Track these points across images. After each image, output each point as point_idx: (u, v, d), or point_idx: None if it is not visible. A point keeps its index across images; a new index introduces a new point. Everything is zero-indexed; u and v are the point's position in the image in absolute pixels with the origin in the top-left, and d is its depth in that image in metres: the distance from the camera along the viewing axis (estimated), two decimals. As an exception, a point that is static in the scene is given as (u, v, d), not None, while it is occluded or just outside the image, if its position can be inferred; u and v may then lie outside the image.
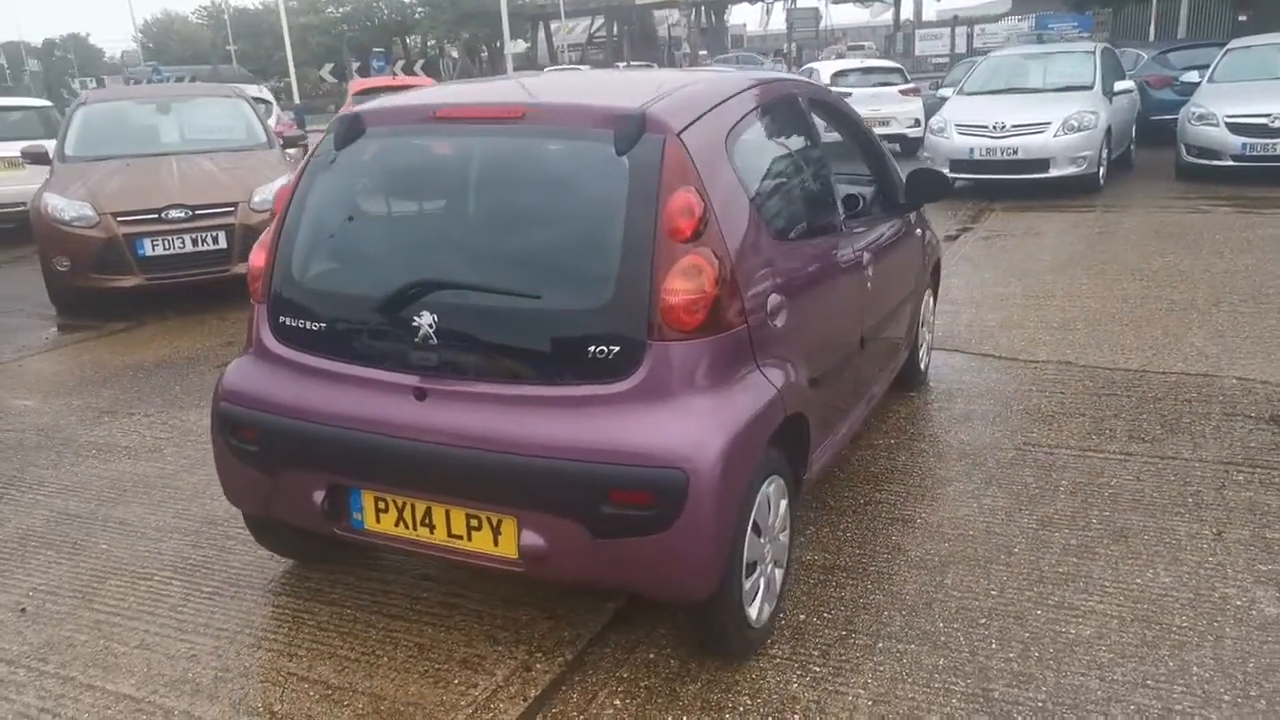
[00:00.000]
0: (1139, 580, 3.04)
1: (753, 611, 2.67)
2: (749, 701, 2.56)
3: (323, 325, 2.76)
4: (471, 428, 2.51)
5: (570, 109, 2.65)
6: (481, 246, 2.66)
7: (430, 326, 2.58)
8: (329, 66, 30.58)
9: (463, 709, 2.56)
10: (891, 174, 4.16)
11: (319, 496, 2.74)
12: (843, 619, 2.90)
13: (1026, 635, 2.78)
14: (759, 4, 54.81)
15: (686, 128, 2.55)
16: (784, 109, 3.18)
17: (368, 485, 2.69)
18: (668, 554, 2.41)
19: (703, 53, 53.41)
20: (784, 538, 2.89)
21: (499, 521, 2.55)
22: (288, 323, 2.83)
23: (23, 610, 3.10)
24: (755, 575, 2.66)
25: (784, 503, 2.83)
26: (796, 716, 2.49)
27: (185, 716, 2.56)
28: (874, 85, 15.50)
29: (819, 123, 3.42)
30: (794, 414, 2.76)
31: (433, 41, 52.91)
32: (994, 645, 2.74)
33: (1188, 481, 3.69)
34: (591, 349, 2.44)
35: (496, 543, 2.57)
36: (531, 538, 2.49)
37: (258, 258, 2.91)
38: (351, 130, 2.86)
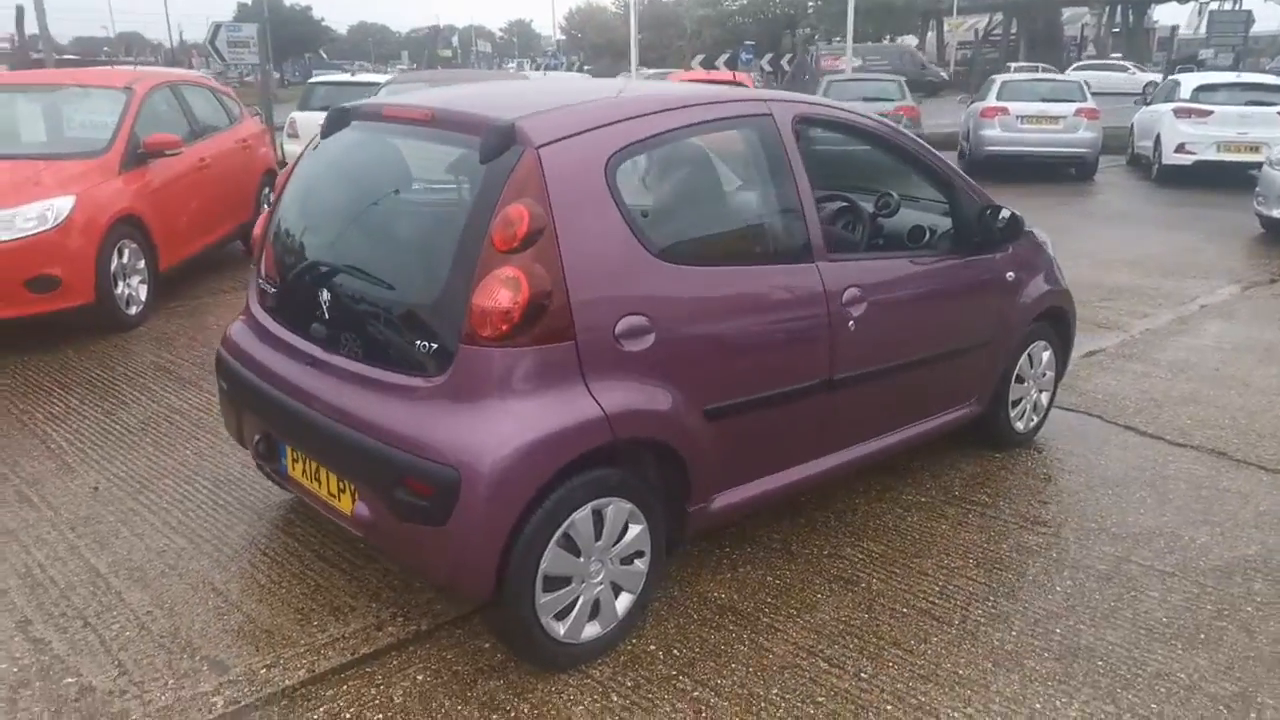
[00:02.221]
0: (1038, 705, 2.61)
1: (560, 627, 2.68)
2: (527, 710, 2.60)
3: (276, 292, 3.17)
4: (332, 398, 2.78)
5: (461, 116, 2.79)
6: (371, 234, 2.91)
7: (326, 303, 2.88)
8: (699, 58, 32.04)
9: (299, 646, 2.85)
10: (960, 206, 3.77)
11: (256, 437, 3.17)
12: (686, 660, 2.81)
13: (851, 727, 2.53)
14: (1190, 3, 48.44)
15: (551, 143, 2.60)
16: (729, 133, 3.05)
17: (281, 435, 3.06)
18: (446, 548, 2.53)
19: (1116, 55, 48.43)
20: (641, 564, 2.85)
21: (354, 488, 2.80)
22: (262, 286, 3.28)
23: (95, 489, 3.88)
24: (564, 591, 2.67)
25: (638, 529, 2.79)
26: (556, 736, 2.50)
27: (115, 595, 3.11)
28: (1244, 104, 13.31)
29: (808, 148, 3.22)
30: (643, 439, 2.71)
31: (819, 35, 52.97)
32: (806, 727, 2.53)
33: (1223, 613, 3.03)
34: (419, 342, 2.60)
35: (351, 507, 2.82)
36: (360, 508, 2.72)
37: (258, 228, 3.39)
38: (338, 121, 3.23)
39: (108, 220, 5.96)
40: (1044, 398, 4.46)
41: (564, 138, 2.63)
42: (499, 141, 2.60)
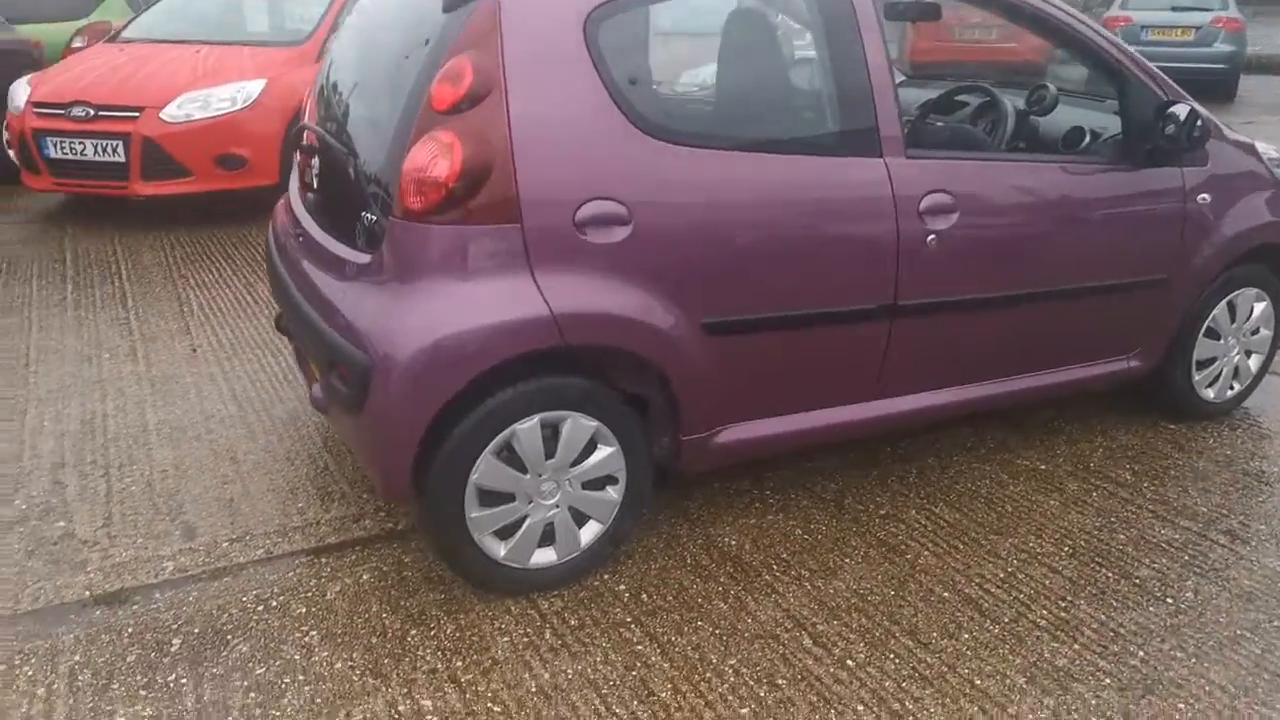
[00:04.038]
0: (1057, 745, 1.98)
1: (500, 547, 2.38)
2: (450, 630, 2.33)
3: (299, 162, 3.02)
4: (307, 273, 2.59)
5: (443, -38, 2.42)
6: (355, 99, 2.65)
7: (316, 172, 2.69)
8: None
9: (272, 523, 2.76)
10: (1130, 101, 2.92)
11: (278, 312, 3.08)
12: (650, 608, 2.42)
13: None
14: None
15: (516, -9, 2.19)
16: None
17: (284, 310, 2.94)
18: (362, 438, 2.30)
19: None
20: (614, 492, 2.47)
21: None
22: (296, 161, 3.14)
23: (194, 350, 4.01)
24: (505, 508, 2.35)
25: (608, 451, 2.41)
26: (466, 662, 2.22)
27: (146, 452, 3.15)
28: None
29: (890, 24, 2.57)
30: (607, 347, 2.30)
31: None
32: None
33: (1398, 674, 2.17)
34: (365, 215, 2.34)
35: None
36: (316, 389, 2.54)
37: (305, 98, 3.24)
38: (365, -12, 2.99)
39: (296, 104, 6.19)
40: (1253, 361, 3.48)
41: (534, -13, 2.22)
42: (467, -11, 2.23)
